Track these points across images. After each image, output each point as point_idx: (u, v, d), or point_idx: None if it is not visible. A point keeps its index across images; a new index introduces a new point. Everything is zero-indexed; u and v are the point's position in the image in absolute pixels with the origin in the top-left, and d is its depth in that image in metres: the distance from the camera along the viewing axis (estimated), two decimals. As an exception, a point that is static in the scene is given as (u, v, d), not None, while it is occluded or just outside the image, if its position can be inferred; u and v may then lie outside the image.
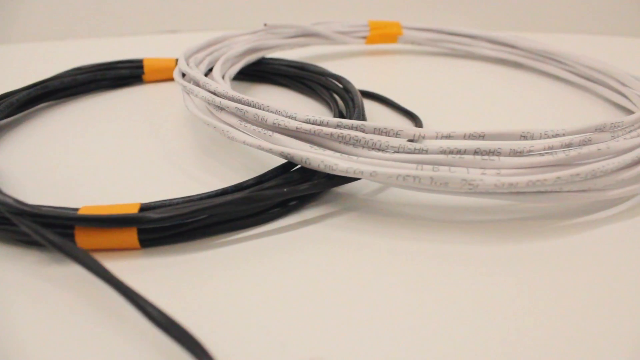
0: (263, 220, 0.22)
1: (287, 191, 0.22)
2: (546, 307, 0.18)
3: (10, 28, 0.51)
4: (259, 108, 0.24)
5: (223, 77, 0.33)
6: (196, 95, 0.27)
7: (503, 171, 0.21)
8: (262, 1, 0.57)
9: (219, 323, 0.18)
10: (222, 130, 0.25)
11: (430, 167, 0.21)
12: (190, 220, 0.21)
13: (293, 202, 0.23)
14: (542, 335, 0.17)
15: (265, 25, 0.40)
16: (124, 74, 0.39)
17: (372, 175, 0.21)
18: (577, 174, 0.21)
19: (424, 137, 0.22)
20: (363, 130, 0.22)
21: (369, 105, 0.35)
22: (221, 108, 0.26)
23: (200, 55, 0.33)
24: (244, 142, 0.24)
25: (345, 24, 0.44)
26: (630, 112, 0.33)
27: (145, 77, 0.39)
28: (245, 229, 0.22)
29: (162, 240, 0.21)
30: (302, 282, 0.19)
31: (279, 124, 0.23)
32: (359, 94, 0.30)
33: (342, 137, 0.22)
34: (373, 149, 0.22)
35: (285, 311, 0.18)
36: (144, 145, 0.30)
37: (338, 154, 0.22)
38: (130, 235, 0.21)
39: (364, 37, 0.44)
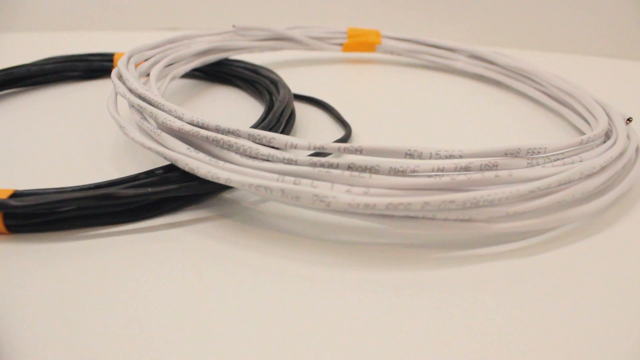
0: (133, 218, 0.22)
1: (151, 192, 0.21)
2: (400, 342, 0.17)
3: (18, 16, 0.54)
4: (155, 106, 0.24)
5: (166, 76, 0.33)
6: (116, 92, 0.28)
7: (372, 190, 0.20)
8: (264, 2, 0.57)
9: (42, 315, 0.18)
10: (120, 126, 0.25)
11: (292, 179, 0.20)
12: (59, 210, 0.21)
13: (173, 203, 0.23)
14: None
15: (233, 26, 0.40)
16: (94, 67, 0.40)
17: (227, 182, 0.20)
18: (452, 201, 0.19)
19: (295, 147, 0.21)
20: (238, 136, 0.22)
21: (311, 111, 0.34)
22: (132, 105, 0.26)
23: (150, 53, 0.34)
24: (133, 139, 0.24)
25: (323, 30, 0.43)
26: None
27: (114, 71, 0.40)
28: (113, 225, 0.22)
29: (29, 228, 0.21)
30: (138, 286, 0.19)
31: (166, 123, 0.23)
32: (285, 100, 0.29)
33: (217, 141, 0.22)
34: (244, 155, 0.21)
35: (110, 314, 0.18)
36: (74, 136, 0.30)
37: (207, 158, 0.21)
38: (-4, 220, 0.21)
39: (341, 44, 0.43)
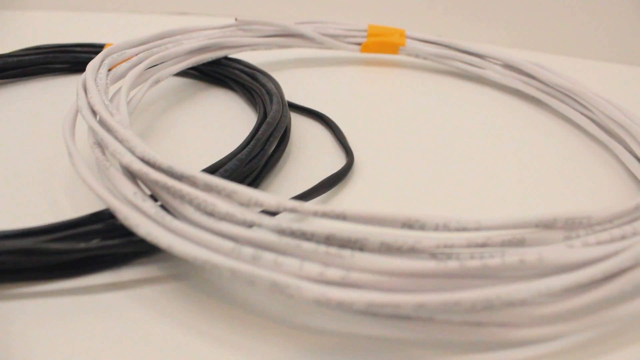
0: (67, 274, 0.18)
1: (83, 248, 0.17)
2: None
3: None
4: (108, 131, 0.20)
5: (148, 80, 0.29)
6: (77, 106, 0.23)
7: (353, 275, 0.15)
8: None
9: None
10: (69, 152, 0.21)
11: (251, 250, 0.15)
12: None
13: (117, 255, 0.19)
14: None
15: (235, 20, 0.35)
16: (81, 59, 0.36)
17: (169, 249, 0.16)
18: (456, 303, 0.15)
19: (261, 206, 0.16)
20: (193, 183, 0.17)
21: (312, 127, 0.29)
22: (88, 126, 0.22)
23: (133, 51, 0.30)
24: (77, 172, 0.20)
25: (339, 26, 0.38)
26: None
27: (103, 64, 0.36)
28: (42, 281, 0.18)
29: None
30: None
31: (115, 156, 0.19)
32: (275, 121, 0.25)
33: (167, 188, 0.17)
34: (199, 210, 0.17)
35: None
36: (36, 148, 0.26)
37: (154, 209, 0.17)
38: None
39: (360, 44, 0.38)
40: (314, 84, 0.36)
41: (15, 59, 0.34)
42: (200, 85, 0.34)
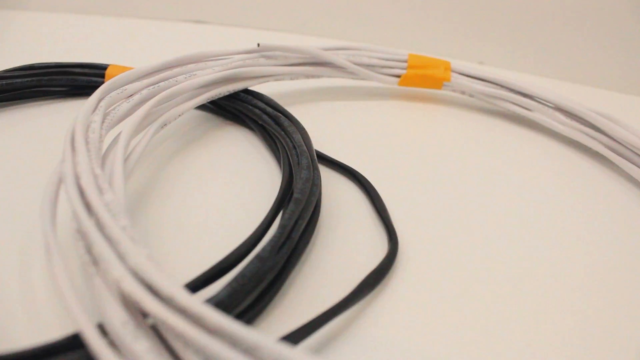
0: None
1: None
2: None
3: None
4: (94, 221, 0.16)
5: (156, 121, 0.24)
6: (59, 174, 0.19)
7: None
8: (315, 2, 0.47)
9: None
10: (46, 247, 0.16)
11: None
12: None
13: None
14: None
15: (258, 45, 0.31)
16: (80, 82, 0.31)
17: None
18: None
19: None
20: (202, 323, 0.13)
21: (346, 186, 0.25)
22: (72, 210, 0.18)
23: (138, 85, 0.25)
24: (51, 278, 0.15)
25: (375, 54, 0.33)
26: None
27: (105, 88, 0.32)
28: None
29: None
30: None
31: (103, 264, 0.15)
32: (304, 199, 0.20)
33: (166, 325, 0.13)
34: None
35: None
36: (21, 207, 0.22)
37: (148, 356, 0.13)
38: None
39: (398, 76, 0.33)
40: (346, 122, 0.32)
41: (5, 81, 0.29)
42: (213, 120, 0.30)
